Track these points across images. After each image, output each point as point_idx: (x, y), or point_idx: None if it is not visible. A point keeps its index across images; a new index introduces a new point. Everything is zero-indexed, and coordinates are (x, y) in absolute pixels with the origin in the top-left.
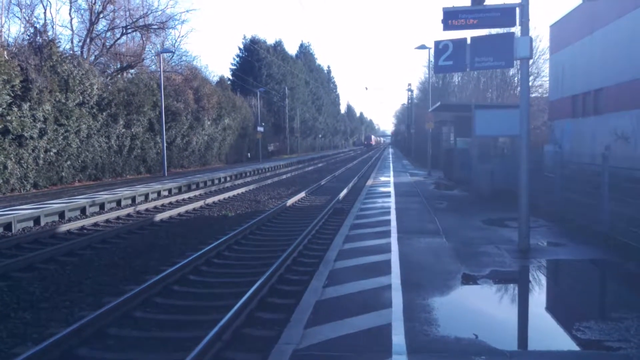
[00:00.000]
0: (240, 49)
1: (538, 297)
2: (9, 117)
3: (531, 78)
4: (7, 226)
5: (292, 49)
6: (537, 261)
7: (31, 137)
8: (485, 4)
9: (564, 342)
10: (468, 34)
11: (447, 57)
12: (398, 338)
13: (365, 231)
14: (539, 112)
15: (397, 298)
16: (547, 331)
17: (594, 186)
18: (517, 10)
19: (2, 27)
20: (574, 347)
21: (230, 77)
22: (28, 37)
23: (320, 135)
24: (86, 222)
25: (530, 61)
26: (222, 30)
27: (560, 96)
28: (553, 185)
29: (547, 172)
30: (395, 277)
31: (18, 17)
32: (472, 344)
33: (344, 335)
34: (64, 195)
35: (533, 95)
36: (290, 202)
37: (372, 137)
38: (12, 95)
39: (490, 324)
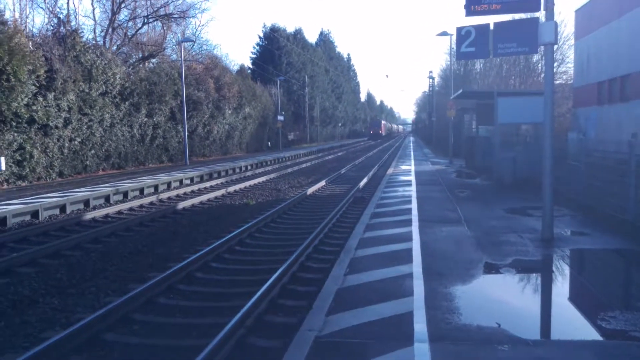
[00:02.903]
0: (260, 37)
1: (561, 286)
2: (34, 107)
3: (555, 64)
4: (35, 214)
5: (312, 37)
6: (561, 250)
7: (56, 127)
8: None
9: (588, 331)
10: (491, 20)
11: (469, 44)
12: (420, 326)
13: (386, 220)
14: (563, 99)
15: (418, 286)
16: (571, 321)
17: (620, 174)
18: None
19: (27, 17)
20: (598, 337)
21: (250, 66)
22: (52, 28)
23: (340, 124)
24: (110, 210)
25: (555, 47)
26: (242, 18)
27: (585, 83)
28: (577, 173)
29: (571, 160)
30: (416, 265)
31: (42, 7)
32: (494, 332)
33: (366, 322)
34: (89, 183)
35: (557, 82)
36: (310, 190)
37: (383, 123)
38: (38, 85)
39: (513, 313)
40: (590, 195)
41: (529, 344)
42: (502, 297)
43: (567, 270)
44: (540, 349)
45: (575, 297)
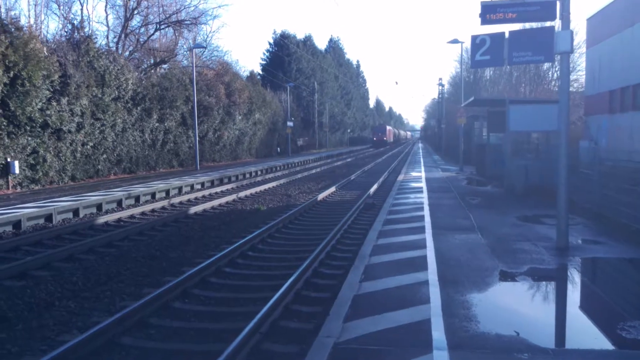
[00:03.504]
0: (270, 43)
1: (577, 295)
2: (48, 112)
3: None
4: (48, 217)
5: (321, 44)
6: (576, 259)
7: (69, 131)
8: None
9: (604, 341)
10: (506, 28)
11: (484, 52)
12: (438, 333)
13: (398, 227)
14: (574, 107)
15: (435, 294)
16: (587, 330)
17: (633, 183)
18: (558, 3)
19: (42, 23)
20: (616, 346)
21: (260, 72)
22: (66, 33)
23: (349, 130)
24: (122, 214)
25: None
26: (252, 25)
27: (597, 91)
28: (589, 182)
29: (583, 168)
30: (432, 273)
31: (56, 13)
32: (513, 340)
33: (384, 329)
34: (101, 187)
35: None
36: (321, 196)
37: (388, 129)
38: (52, 90)
39: (530, 322)
40: (604, 204)
41: (549, 352)
42: (519, 306)
43: (582, 279)
44: (560, 358)
45: (592, 306)
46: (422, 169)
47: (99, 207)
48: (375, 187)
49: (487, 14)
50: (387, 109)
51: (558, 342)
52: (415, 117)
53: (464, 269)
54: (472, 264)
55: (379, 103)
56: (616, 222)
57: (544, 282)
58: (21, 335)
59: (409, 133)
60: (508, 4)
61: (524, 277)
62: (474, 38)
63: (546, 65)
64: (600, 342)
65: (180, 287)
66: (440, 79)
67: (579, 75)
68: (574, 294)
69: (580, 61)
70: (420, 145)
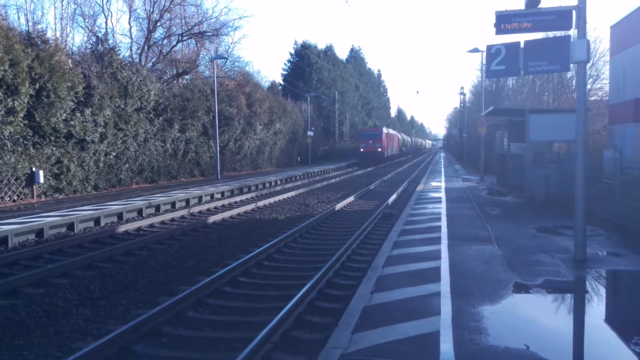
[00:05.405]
0: (291, 54)
1: (595, 308)
2: (72, 122)
3: (590, 81)
4: (70, 226)
5: (342, 54)
6: (595, 271)
7: (92, 141)
8: (539, 6)
9: (624, 356)
10: (521, 38)
11: (499, 62)
12: (446, 346)
13: (414, 237)
14: (598, 116)
15: (446, 306)
16: (605, 344)
17: None
18: (574, 12)
19: (67, 36)
20: None
21: (281, 82)
22: (90, 46)
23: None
24: (142, 223)
25: (589, 64)
26: (273, 35)
27: (621, 100)
28: (612, 192)
29: (606, 178)
30: (444, 284)
31: (82, 26)
32: (522, 354)
33: (392, 341)
34: (122, 197)
35: (592, 98)
36: (339, 206)
37: (386, 133)
38: (76, 101)
39: (543, 335)
40: (626, 215)
41: None
42: (531, 318)
43: (601, 291)
44: None
45: (610, 320)
46: (443, 178)
47: (119, 216)
48: (394, 197)
49: (502, 24)
50: (408, 118)
51: (569, 357)
52: (437, 126)
53: (477, 280)
54: (486, 275)
55: (400, 112)
56: (638, 233)
57: (558, 295)
58: (38, 342)
59: (429, 142)
60: (523, 14)
61: (539, 289)
62: (489, 48)
63: (569, 73)
64: (616, 357)
65: (195, 296)
66: (462, 87)
67: (604, 83)
68: (589, 308)
69: (604, 69)
70: (442, 154)
